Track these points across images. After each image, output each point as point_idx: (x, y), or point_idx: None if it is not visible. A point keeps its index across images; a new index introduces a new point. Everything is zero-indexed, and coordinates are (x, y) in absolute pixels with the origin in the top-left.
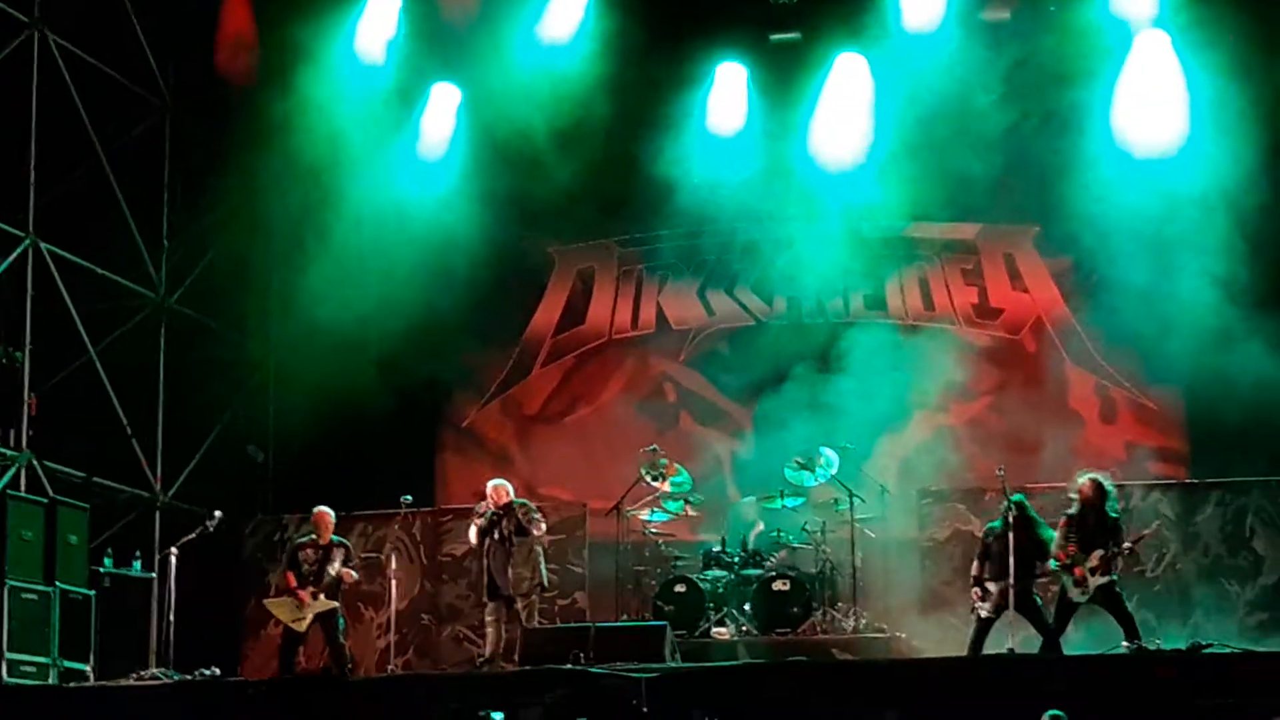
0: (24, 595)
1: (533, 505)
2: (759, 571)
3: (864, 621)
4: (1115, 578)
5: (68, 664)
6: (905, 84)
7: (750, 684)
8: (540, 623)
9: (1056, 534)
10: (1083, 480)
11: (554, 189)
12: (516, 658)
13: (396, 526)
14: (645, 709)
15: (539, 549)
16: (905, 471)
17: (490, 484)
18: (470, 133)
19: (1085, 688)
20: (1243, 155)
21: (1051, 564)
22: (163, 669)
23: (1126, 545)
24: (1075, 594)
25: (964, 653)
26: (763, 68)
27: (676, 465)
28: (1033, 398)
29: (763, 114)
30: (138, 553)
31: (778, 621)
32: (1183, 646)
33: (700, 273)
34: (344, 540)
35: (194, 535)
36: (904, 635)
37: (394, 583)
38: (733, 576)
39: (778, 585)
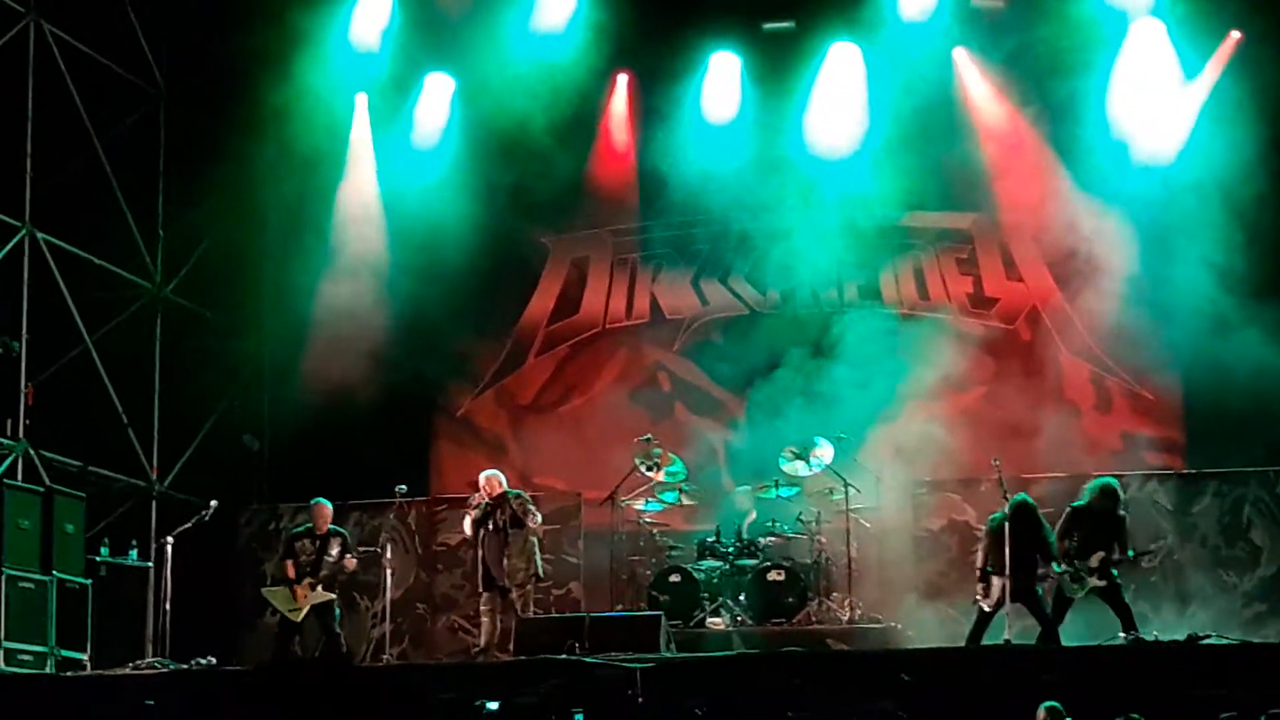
0: (21, 584)
1: (528, 496)
2: (754, 561)
3: (859, 612)
4: (1116, 575)
5: (64, 653)
6: (899, 73)
7: (745, 674)
8: (535, 613)
9: (1059, 525)
10: (1098, 483)
11: (548, 178)
12: (511, 648)
13: (391, 516)
14: (640, 699)
15: (534, 539)
16: (900, 461)
17: (482, 475)
18: (464, 122)
19: (1082, 679)
20: (1240, 144)
21: (1055, 567)
22: (159, 658)
23: (1130, 555)
24: (1072, 590)
25: (961, 643)
26: (756, 57)
27: (671, 455)
28: (1028, 387)
29: (756, 103)
30: (134, 542)
31: (773, 612)
32: (1180, 638)
33: (694, 262)
34: (340, 529)
35: (190, 524)
36: (899, 625)
37: (389, 572)
38: (727, 566)
39: (773, 575)
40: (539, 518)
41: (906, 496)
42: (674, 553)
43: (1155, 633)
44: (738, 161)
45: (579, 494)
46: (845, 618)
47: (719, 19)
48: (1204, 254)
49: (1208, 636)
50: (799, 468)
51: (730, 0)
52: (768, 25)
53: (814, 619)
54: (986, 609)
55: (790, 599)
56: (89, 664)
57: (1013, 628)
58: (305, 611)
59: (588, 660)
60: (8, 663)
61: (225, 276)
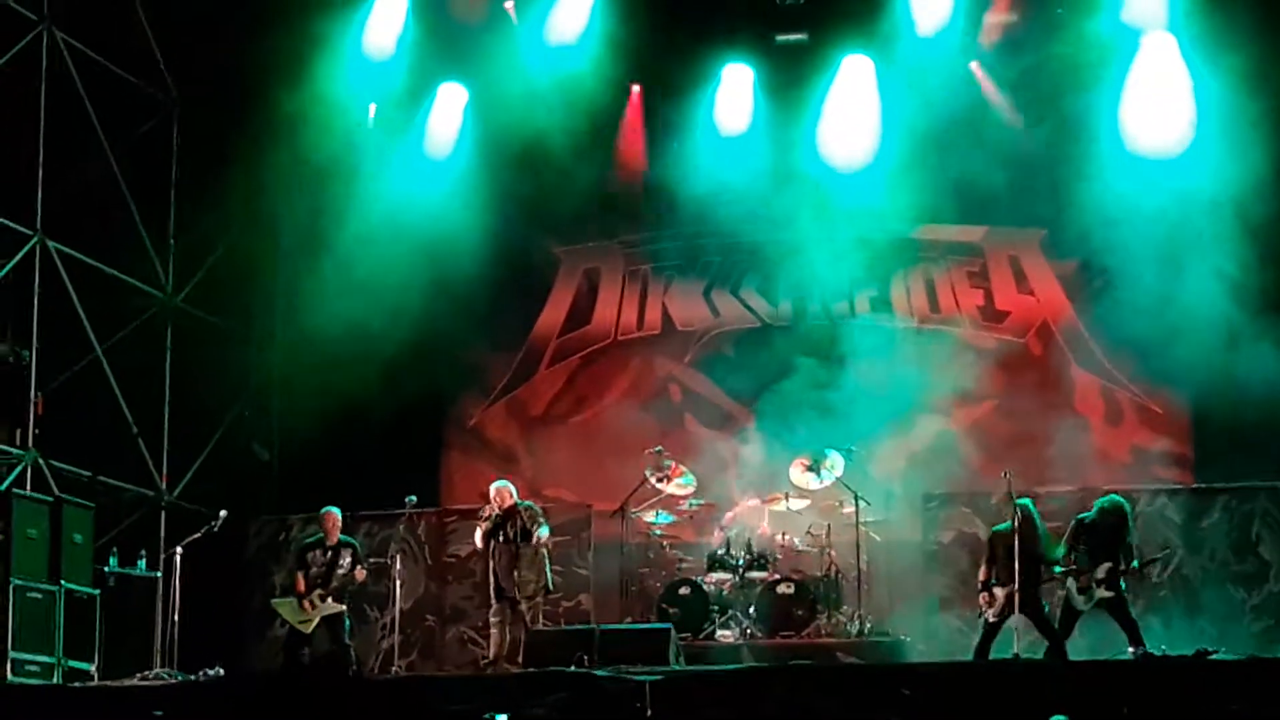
0: (29, 594)
1: (538, 508)
2: (763, 574)
3: (869, 625)
4: (1124, 587)
5: (72, 663)
6: (912, 86)
7: (754, 687)
8: (544, 625)
9: (1066, 535)
10: (1109, 501)
11: (560, 189)
12: (520, 659)
13: (401, 527)
14: (649, 712)
15: (544, 551)
16: (910, 474)
17: (493, 486)
18: (477, 133)
19: (1090, 694)
20: (1252, 159)
21: (1056, 568)
22: (167, 669)
23: (1137, 565)
24: (1079, 602)
25: (969, 657)
26: (769, 69)
27: (681, 467)
28: (1038, 401)
29: (769, 116)
30: (143, 552)
31: (782, 624)
32: (1188, 653)
33: (706, 274)
34: (352, 540)
35: (199, 535)
36: (909, 639)
37: (398, 583)
38: (737, 579)
39: (782, 588)
40: (545, 531)
41: (917, 509)
42: (684, 565)
43: (1163, 647)
44: (750, 174)
45: (589, 505)
46: (855, 631)
47: (732, 31)
48: (1215, 268)
49: (1216, 651)
50: (810, 480)
51: (743, 12)
52: (781, 37)
53: (824, 632)
54: (992, 619)
55: (800, 612)
56: (96, 674)
57: (1021, 641)
58: (315, 623)
59: (597, 673)
60: (15, 673)
61: (236, 285)
